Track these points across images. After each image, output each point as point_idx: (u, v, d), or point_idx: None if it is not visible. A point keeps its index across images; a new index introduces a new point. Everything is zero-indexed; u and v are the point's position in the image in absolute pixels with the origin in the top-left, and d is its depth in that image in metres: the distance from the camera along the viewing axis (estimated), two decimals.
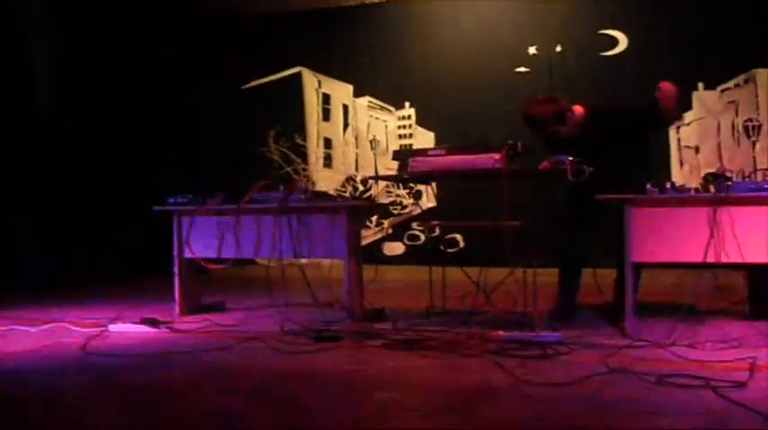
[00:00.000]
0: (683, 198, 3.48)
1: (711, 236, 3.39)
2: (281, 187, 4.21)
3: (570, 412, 2.46)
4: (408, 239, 6.95)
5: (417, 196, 6.77)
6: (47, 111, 6.06)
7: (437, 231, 6.51)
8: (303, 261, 4.21)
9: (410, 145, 6.81)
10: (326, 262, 6.72)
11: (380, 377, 2.96)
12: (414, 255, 6.73)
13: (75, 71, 6.30)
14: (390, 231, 6.98)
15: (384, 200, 6.90)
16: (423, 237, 6.82)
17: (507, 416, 2.45)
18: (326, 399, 2.67)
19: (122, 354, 3.41)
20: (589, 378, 2.80)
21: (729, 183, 3.35)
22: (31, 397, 2.79)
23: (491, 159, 3.72)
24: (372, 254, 6.82)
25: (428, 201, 6.77)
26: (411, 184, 6.81)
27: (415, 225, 6.86)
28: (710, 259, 3.41)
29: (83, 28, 6.25)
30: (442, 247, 6.43)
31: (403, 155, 4.03)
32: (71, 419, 2.50)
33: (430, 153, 3.90)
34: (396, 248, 7.01)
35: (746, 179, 3.41)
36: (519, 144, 3.72)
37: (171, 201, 4.42)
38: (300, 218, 4.12)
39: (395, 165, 6.89)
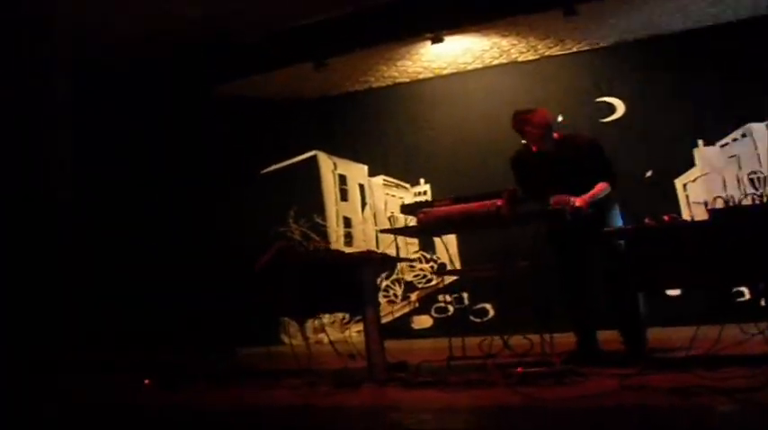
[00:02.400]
0: (677, 226, 3.61)
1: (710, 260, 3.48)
2: (299, 247, 4.39)
3: (584, 414, 2.52)
4: (436, 312, 7.04)
5: (441, 269, 6.90)
6: (67, 203, 6.34)
7: (466, 301, 6.67)
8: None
9: None
10: (352, 336, 6.85)
11: (398, 404, 3.03)
12: (442, 328, 6.79)
13: (95, 160, 6.62)
14: (417, 304, 7.10)
15: (408, 274, 7.09)
16: (451, 309, 6.92)
17: (527, 421, 2.52)
18: (346, 420, 2.75)
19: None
20: (604, 394, 2.85)
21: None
22: None
23: (493, 205, 3.91)
24: (400, 328, 6.92)
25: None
26: (434, 259, 7.01)
27: (440, 297, 7.00)
28: (713, 282, 3.49)
29: (102, 120, 6.63)
30: (471, 317, 6.56)
31: (411, 208, 4.23)
32: None
33: (436, 204, 4.11)
34: (424, 322, 7.09)
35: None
36: (519, 190, 3.94)
37: None
38: (319, 274, 4.26)
39: (415, 241, 7.14)
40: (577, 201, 3.88)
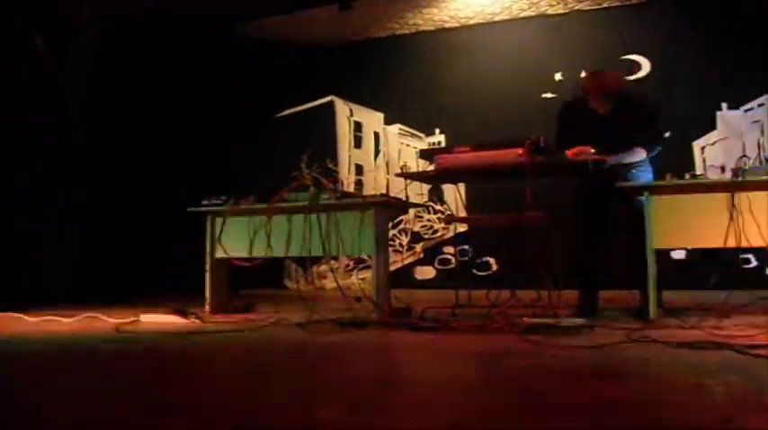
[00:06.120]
0: (700, 184, 3.56)
1: (731, 220, 3.45)
2: (312, 187, 4.36)
3: (589, 361, 2.51)
4: (439, 263, 7.05)
5: (449, 220, 6.88)
6: (82, 146, 6.35)
7: (469, 255, 6.65)
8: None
9: None
10: (356, 283, 6.89)
11: (404, 345, 3.04)
12: (445, 279, 6.82)
13: (111, 100, 6.56)
14: (422, 255, 7.10)
15: (416, 225, 7.08)
16: (454, 261, 6.92)
17: (529, 363, 2.51)
18: (352, 356, 2.76)
19: (153, 332, 3.56)
20: (609, 344, 2.83)
21: (746, 167, 3.42)
22: (72, 354, 2.94)
23: (514, 154, 3.85)
24: (404, 278, 6.94)
25: (459, 226, 6.88)
26: (442, 210, 6.98)
27: (445, 248, 6.99)
28: (731, 244, 3.45)
29: (119, 56, 6.55)
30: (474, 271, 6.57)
31: (430, 152, 4.18)
32: (107, 370, 2.63)
33: (456, 150, 4.05)
34: (427, 272, 7.11)
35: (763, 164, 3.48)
36: (541, 139, 3.85)
37: (205, 202, 4.60)
38: (330, 215, 4.24)
39: (425, 189, 7.11)
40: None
